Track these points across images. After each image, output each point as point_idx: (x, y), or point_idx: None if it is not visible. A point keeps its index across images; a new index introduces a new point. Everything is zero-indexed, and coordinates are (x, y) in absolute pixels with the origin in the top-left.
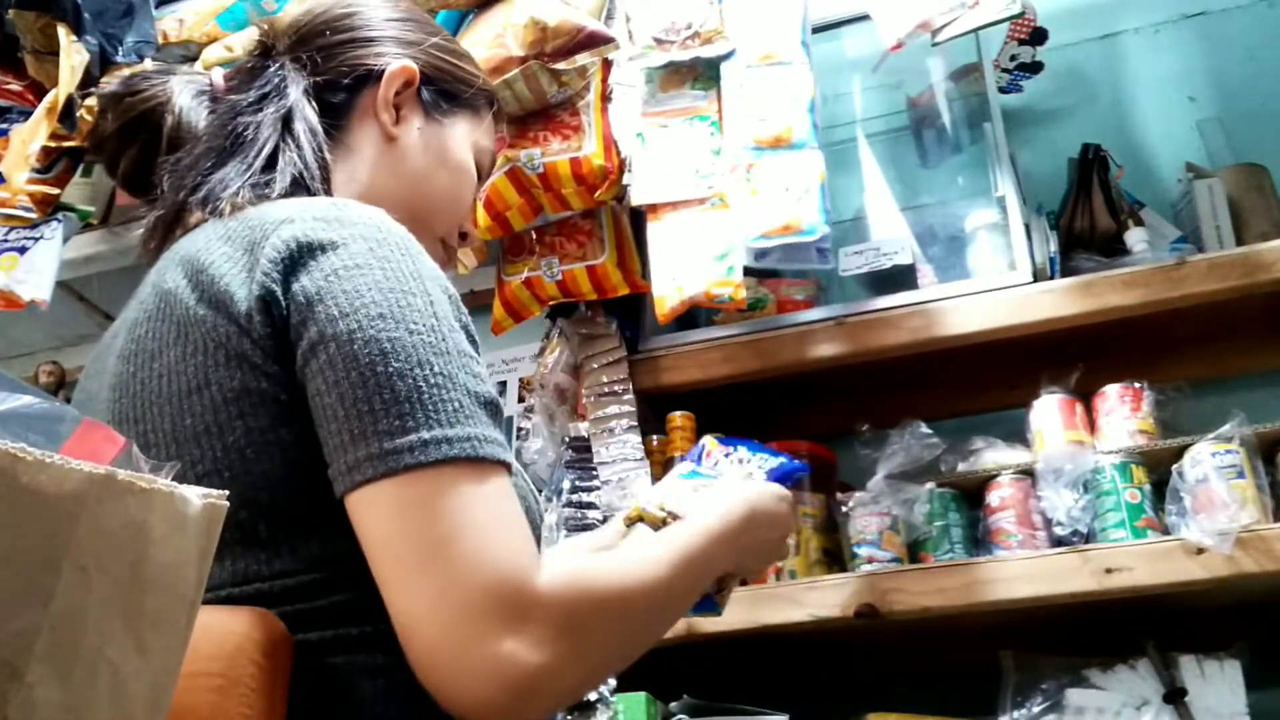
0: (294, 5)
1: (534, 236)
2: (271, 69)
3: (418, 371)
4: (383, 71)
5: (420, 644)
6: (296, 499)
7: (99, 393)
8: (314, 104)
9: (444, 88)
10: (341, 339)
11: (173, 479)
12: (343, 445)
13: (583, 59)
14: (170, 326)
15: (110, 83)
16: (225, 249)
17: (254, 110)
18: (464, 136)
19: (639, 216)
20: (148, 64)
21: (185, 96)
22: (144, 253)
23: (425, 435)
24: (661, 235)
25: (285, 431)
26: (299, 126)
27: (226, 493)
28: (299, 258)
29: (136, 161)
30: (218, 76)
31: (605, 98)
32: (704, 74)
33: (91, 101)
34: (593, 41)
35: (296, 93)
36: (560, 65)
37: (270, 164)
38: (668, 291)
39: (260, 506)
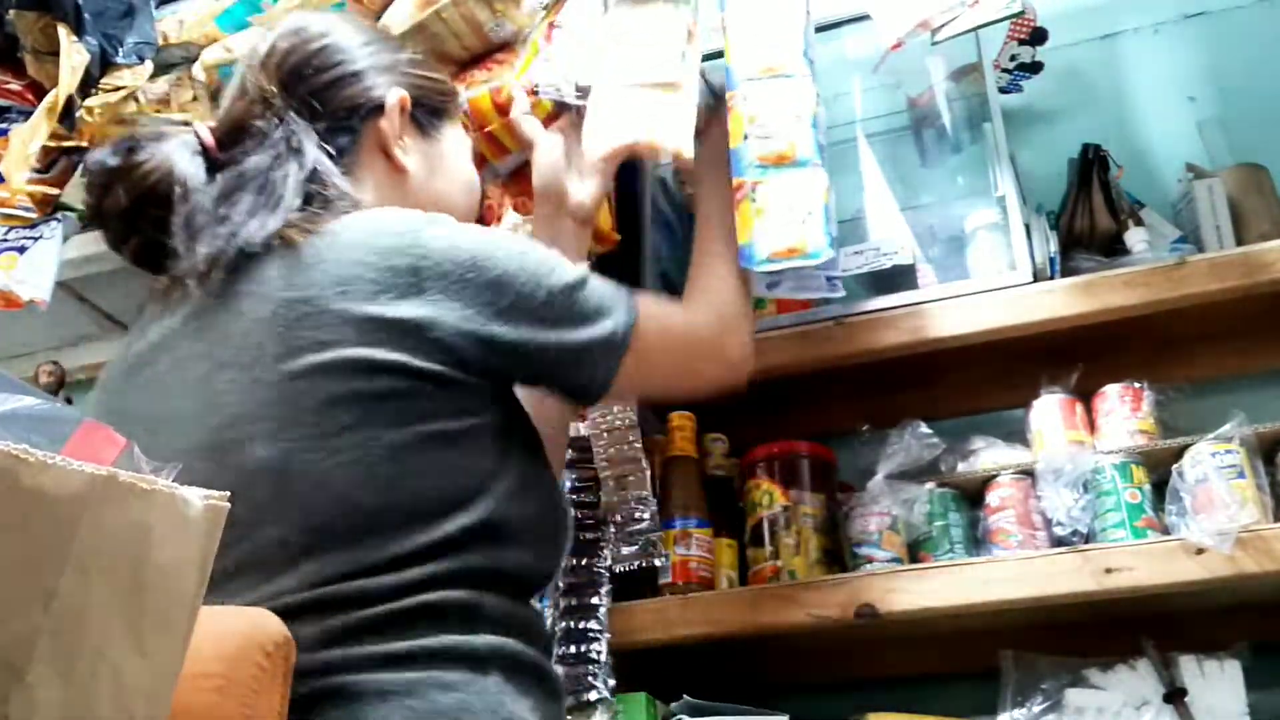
0: (291, 20)
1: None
2: (279, 127)
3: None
4: (375, 104)
5: (708, 380)
6: (402, 498)
7: (163, 411)
8: (327, 150)
9: (429, 104)
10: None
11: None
12: (577, 368)
13: None
14: (295, 340)
15: (102, 154)
16: (354, 256)
17: (277, 167)
18: (457, 143)
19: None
20: (145, 89)
21: (185, 161)
22: (172, 293)
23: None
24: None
25: (397, 434)
26: (323, 173)
27: (228, 493)
28: (465, 273)
29: (150, 234)
30: (206, 134)
31: (552, 26)
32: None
33: (92, 102)
34: None
35: (311, 147)
36: None
37: (308, 201)
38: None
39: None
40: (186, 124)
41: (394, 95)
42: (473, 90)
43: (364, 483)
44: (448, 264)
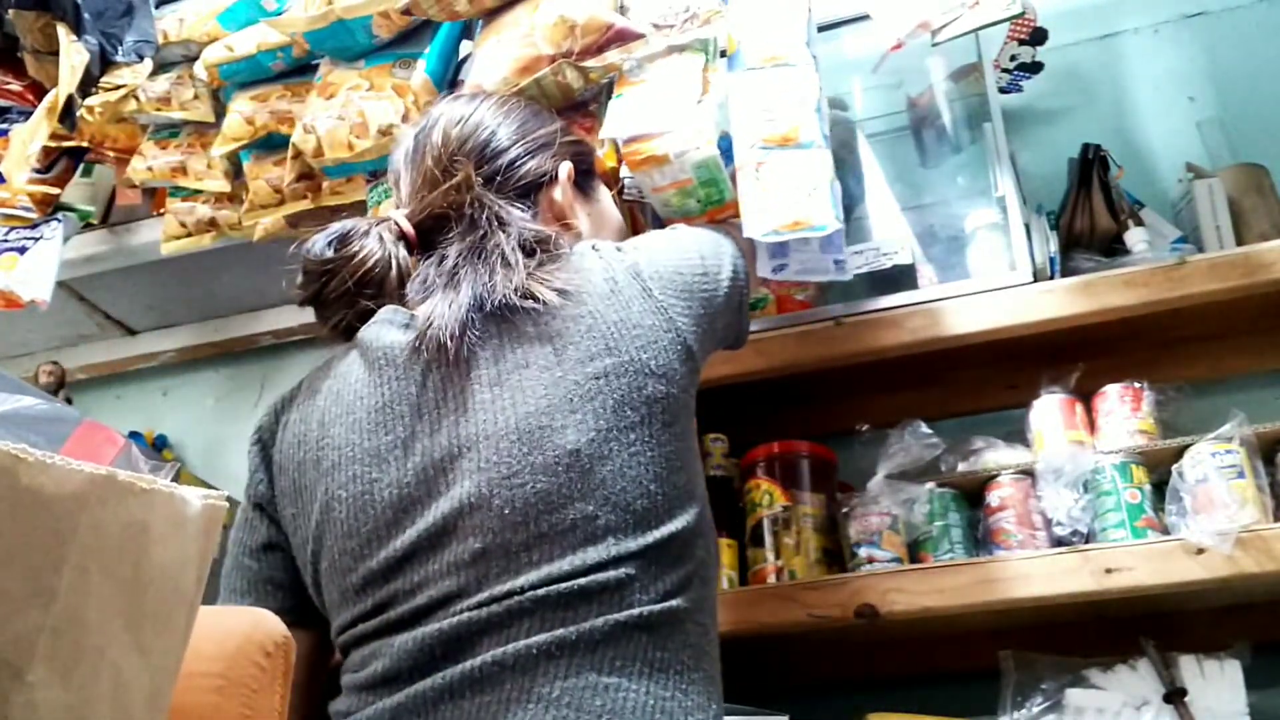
0: (440, 114)
1: None
2: (480, 209)
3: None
4: (548, 177)
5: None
6: (655, 492)
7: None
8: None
9: (584, 168)
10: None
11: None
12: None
13: (612, 56)
14: (574, 363)
15: (318, 247)
16: (603, 275)
17: (490, 238)
18: (607, 198)
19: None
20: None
21: (391, 246)
22: (443, 349)
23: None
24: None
25: (664, 433)
26: (531, 234)
27: (227, 493)
28: (671, 278)
29: (361, 312)
30: (405, 223)
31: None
32: (695, 46)
33: (92, 101)
34: (622, 38)
35: (513, 216)
36: (590, 63)
37: (531, 255)
38: None
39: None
40: (361, 204)
41: (564, 169)
42: None
43: (650, 473)
44: (661, 273)
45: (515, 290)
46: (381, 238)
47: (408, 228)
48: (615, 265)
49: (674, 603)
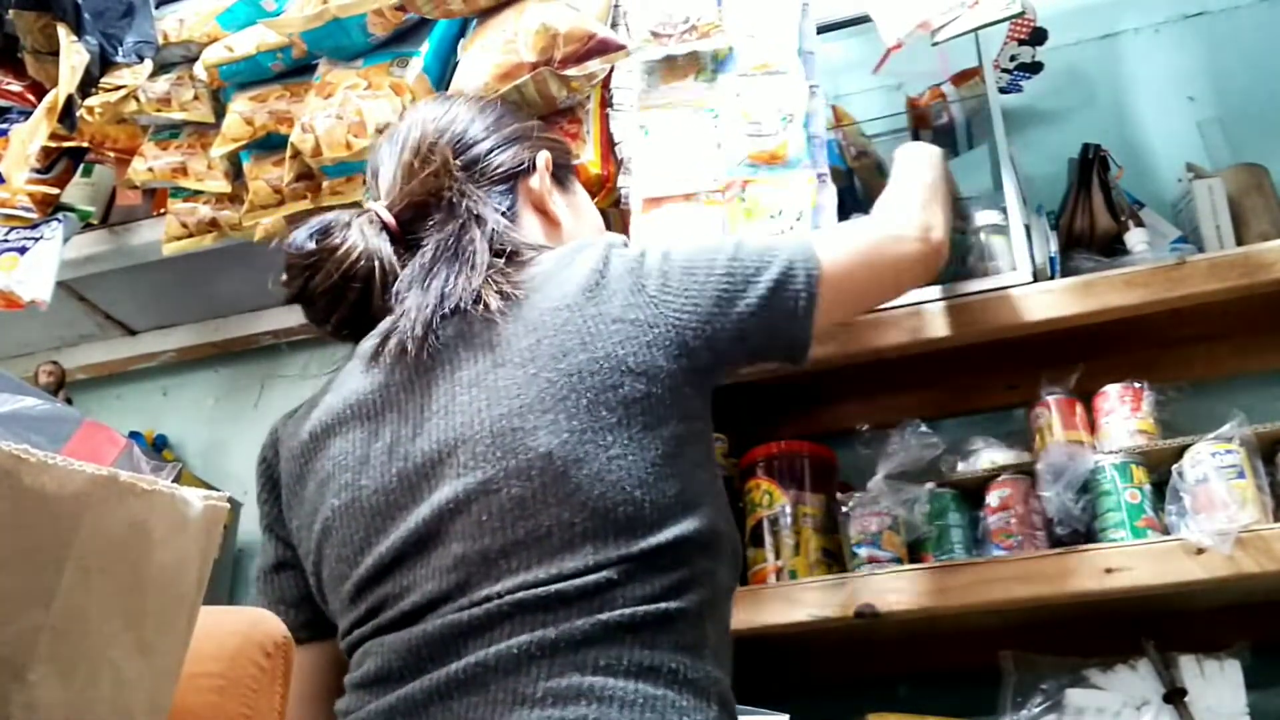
0: (417, 113)
1: None
2: (459, 200)
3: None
4: (526, 167)
5: (915, 272)
6: (657, 491)
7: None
8: (500, 212)
9: (561, 161)
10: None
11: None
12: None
13: (594, 65)
14: (564, 369)
15: (299, 240)
16: (578, 273)
17: (465, 233)
18: (584, 193)
19: None
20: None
21: (375, 239)
22: (381, 353)
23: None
24: (647, 228)
25: (647, 436)
26: (503, 231)
27: (228, 493)
28: (669, 274)
29: (354, 308)
30: (386, 214)
31: (605, 104)
32: (707, 67)
33: (92, 102)
34: (604, 48)
35: (490, 212)
36: (571, 71)
37: (499, 256)
38: None
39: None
40: (358, 204)
41: (541, 158)
42: None
43: (633, 478)
44: (666, 268)
45: (470, 294)
46: (363, 230)
47: (388, 218)
48: (612, 259)
49: (664, 605)
